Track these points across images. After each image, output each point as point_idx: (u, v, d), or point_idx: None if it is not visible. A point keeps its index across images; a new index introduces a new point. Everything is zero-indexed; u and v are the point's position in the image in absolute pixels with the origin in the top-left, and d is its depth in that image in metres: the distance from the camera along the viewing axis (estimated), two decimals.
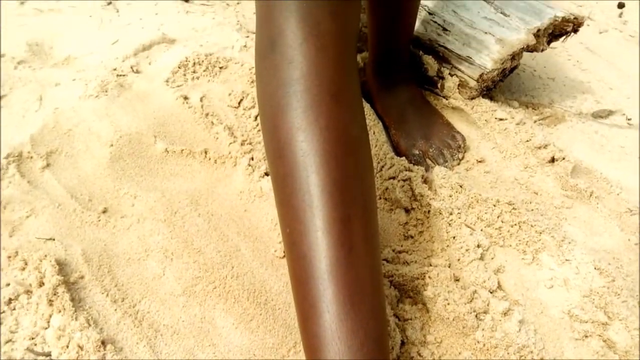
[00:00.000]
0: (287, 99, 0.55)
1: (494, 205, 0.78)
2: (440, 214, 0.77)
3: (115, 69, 1.02)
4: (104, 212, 0.78)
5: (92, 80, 0.98)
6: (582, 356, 0.64)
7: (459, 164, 0.89)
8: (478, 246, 0.73)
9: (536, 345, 0.63)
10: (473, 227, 0.75)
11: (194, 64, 1.05)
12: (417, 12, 0.87)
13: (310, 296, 0.50)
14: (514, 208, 0.77)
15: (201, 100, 0.98)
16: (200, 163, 0.88)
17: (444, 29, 0.96)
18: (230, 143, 0.90)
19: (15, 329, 0.62)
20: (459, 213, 0.77)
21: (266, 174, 0.84)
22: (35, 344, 0.60)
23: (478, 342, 0.63)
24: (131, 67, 1.03)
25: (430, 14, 0.98)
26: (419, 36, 0.98)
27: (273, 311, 0.67)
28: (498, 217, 0.77)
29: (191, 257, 0.72)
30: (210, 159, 0.88)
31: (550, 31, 0.94)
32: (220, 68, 1.06)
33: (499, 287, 0.70)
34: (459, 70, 0.94)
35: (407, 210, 0.81)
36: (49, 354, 0.59)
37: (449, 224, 0.76)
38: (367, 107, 0.97)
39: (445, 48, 0.95)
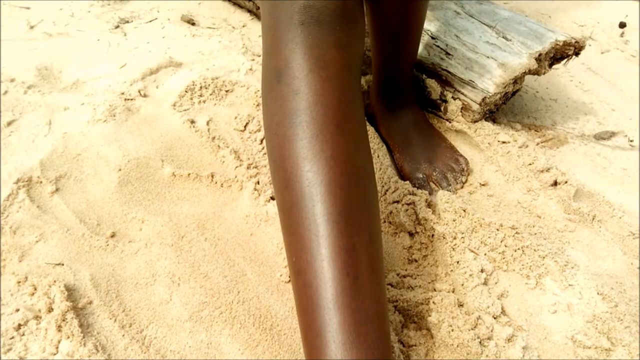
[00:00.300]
0: (294, 129, 0.57)
1: (497, 230, 0.79)
2: (444, 238, 0.78)
3: (123, 93, 1.04)
4: (112, 236, 0.79)
5: (100, 105, 0.99)
6: None
7: (462, 187, 0.90)
8: (482, 271, 0.73)
9: None
10: (477, 252, 0.76)
11: (201, 87, 1.06)
12: (420, 37, 0.89)
13: (316, 325, 0.51)
14: (517, 232, 0.78)
15: (208, 124, 0.99)
16: (206, 187, 0.89)
17: (447, 53, 0.97)
18: (237, 167, 0.91)
19: (25, 354, 0.63)
20: (462, 237, 0.77)
21: (272, 198, 0.85)
22: None
23: None
24: (139, 91, 1.05)
25: (433, 38, 0.99)
26: (422, 60, 1.00)
27: (279, 337, 0.68)
28: (501, 241, 0.78)
29: (198, 282, 0.73)
30: (216, 182, 0.89)
31: (552, 55, 0.95)
32: (227, 91, 1.08)
33: (503, 312, 0.70)
34: (462, 93, 0.96)
35: (411, 234, 0.82)
36: None
37: (453, 249, 0.77)
38: (371, 130, 0.98)
39: (448, 72, 0.97)
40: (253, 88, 1.08)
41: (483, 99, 0.93)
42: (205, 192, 0.88)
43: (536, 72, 0.94)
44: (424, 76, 1.00)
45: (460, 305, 0.70)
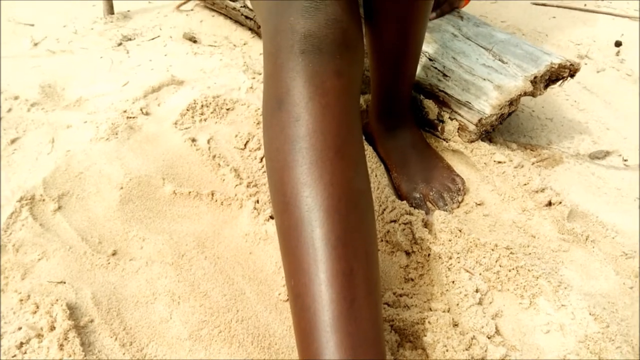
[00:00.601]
0: (294, 155, 0.58)
1: (492, 250, 0.80)
2: (439, 258, 0.79)
3: (125, 111, 1.05)
4: (114, 254, 0.80)
5: (102, 123, 1.01)
6: None
7: (458, 206, 0.91)
8: (476, 291, 0.75)
9: None
10: (472, 272, 0.77)
11: (202, 106, 1.08)
12: (418, 60, 0.90)
13: (313, 347, 0.52)
14: (511, 252, 0.79)
15: (208, 142, 1.01)
16: (207, 205, 0.90)
17: (444, 75, 0.99)
18: (237, 185, 0.93)
19: None
20: (458, 257, 0.79)
21: (271, 217, 0.86)
22: None
23: None
24: (141, 109, 1.06)
25: (430, 60, 1.01)
26: (420, 81, 1.01)
27: (277, 355, 0.69)
28: (496, 261, 0.79)
29: (197, 301, 0.74)
30: (216, 200, 0.91)
31: (547, 77, 0.97)
32: (227, 110, 1.09)
33: (497, 332, 0.71)
34: (459, 114, 0.97)
35: (408, 253, 0.83)
36: None
37: (449, 269, 0.78)
38: (369, 149, 0.99)
39: (445, 93, 0.98)
40: (253, 106, 1.10)
41: (479, 120, 0.94)
42: (205, 210, 0.90)
43: (532, 94, 0.96)
44: (422, 97, 1.02)
45: (455, 325, 0.71)
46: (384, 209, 0.88)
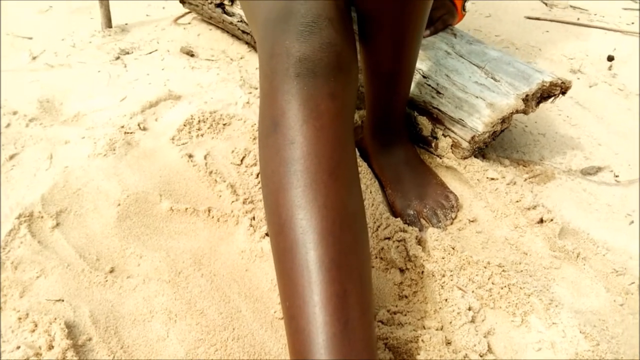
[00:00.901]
0: (288, 177, 0.60)
1: (485, 267, 0.81)
2: (433, 275, 0.80)
3: (123, 127, 1.06)
4: (111, 272, 0.81)
5: (100, 139, 1.02)
6: None
7: (452, 223, 0.92)
8: (469, 309, 0.76)
9: None
10: (464, 289, 0.79)
11: (199, 121, 1.09)
12: (412, 78, 0.92)
13: None
14: (503, 270, 0.81)
15: (205, 158, 1.02)
16: (203, 221, 0.91)
17: (438, 92, 1.00)
18: (233, 201, 0.94)
19: None
20: (451, 275, 0.80)
21: (267, 234, 0.88)
22: None
23: None
24: (138, 124, 1.07)
25: (424, 77, 1.03)
26: (414, 98, 1.03)
27: None
28: (489, 279, 0.80)
29: (194, 319, 0.75)
30: (213, 217, 0.92)
31: (539, 95, 0.98)
32: (224, 125, 1.11)
33: (489, 350, 0.73)
34: (452, 131, 0.99)
35: (402, 271, 0.84)
36: None
37: (442, 286, 0.79)
38: (364, 165, 1.01)
39: (439, 110, 1.00)
40: (250, 121, 1.11)
41: (472, 137, 0.96)
42: (202, 227, 0.91)
43: (524, 112, 0.97)
44: (416, 113, 1.03)
45: (448, 343, 0.72)
46: (379, 226, 0.89)
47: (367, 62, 0.87)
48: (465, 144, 0.98)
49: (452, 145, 1.00)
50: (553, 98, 1.02)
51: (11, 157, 0.98)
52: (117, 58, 1.34)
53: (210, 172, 0.99)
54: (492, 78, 0.99)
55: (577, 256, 0.86)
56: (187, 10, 1.54)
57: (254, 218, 0.91)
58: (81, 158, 0.98)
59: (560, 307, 0.77)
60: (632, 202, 1.02)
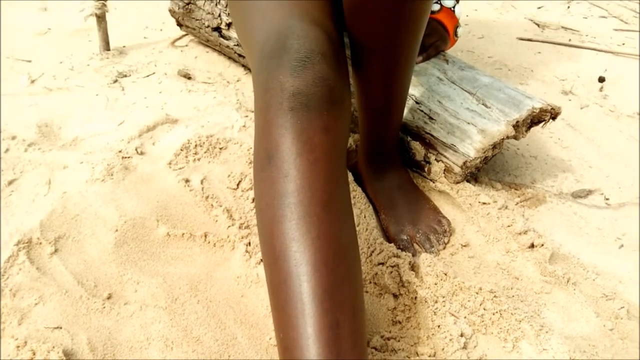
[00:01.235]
0: (282, 210, 0.61)
1: (477, 293, 0.83)
2: (426, 302, 0.82)
3: (120, 151, 1.08)
4: (109, 298, 0.82)
5: (98, 164, 1.04)
6: None
7: (444, 248, 0.94)
8: (461, 335, 0.77)
9: None
10: (457, 315, 0.80)
11: (196, 145, 1.11)
12: (404, 105, 0.93)
13: None
14: (495, 296, 0.82)
15: (202, 182, 1.03)
16: (200, 247, 0.93)
17: (430, 118, 1.02)
18: (229, 226, 0.95)
19: None
20: (443, 301, 0.81)
21: (262, 260, 0.89)
22: None
23: None
24: (136, 149, 1.09)
25: (417, 102, 1.05)
26: (407, 123, 1.05)
27: None
28: (480, 304, 0.82)
29: (190, 346, 0.76)
30: (209, 242, 0.93)
31: (529, 121, 1.00)
32: (221, 149, 1.12)
33: None
34: (444, 156, 1.01)
35: (395, 296, 0.85)
36: None
37: (434, 312, 0.80)
38: (358, 190, 1.02)
39: (432, 135, 1.02)
40: (246, 145, 1.13)
41: (464, 163, 0.98)
42: (198, 252, 0.92)
43: (515, 137, 0.99)
44: (409, 138, 1.05)
45: None
46: (372, 251, 0.90)
47: (359, 90, 0.88)
48: (457, 169, 1.00)
49: (444, 170, 1.02)
50: (543, 123, 1.04)
51: (10, 183, 0.99)
52: (115, 81, 1.35)
53: (207, 197, 1.00)
54: (483, 104, 1.01)
55: (568, 281, 0.88)
56: (184, 33, 1.57)
57: (249, 244, 0.92)
58: (79, 183, 1.00)
59: (551, 332, 0.79)
60: (622, 226, 1.03)
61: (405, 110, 1.04)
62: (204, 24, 1.38)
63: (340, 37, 0.76)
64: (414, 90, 1.06)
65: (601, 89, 1.55)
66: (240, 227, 0.95)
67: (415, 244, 0.94)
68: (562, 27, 1.89)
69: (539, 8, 2.05)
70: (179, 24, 1.49)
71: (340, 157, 0.68)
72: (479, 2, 2.07)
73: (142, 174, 1.04)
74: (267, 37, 0.70)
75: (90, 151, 1.09)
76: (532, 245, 0.93)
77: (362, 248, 0.91)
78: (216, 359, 0.75)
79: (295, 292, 0.58)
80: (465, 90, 1.04)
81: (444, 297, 0.82)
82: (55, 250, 0.87)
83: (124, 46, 1.53)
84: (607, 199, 1.11)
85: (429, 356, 0.75)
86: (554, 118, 1.03)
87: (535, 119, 1.01)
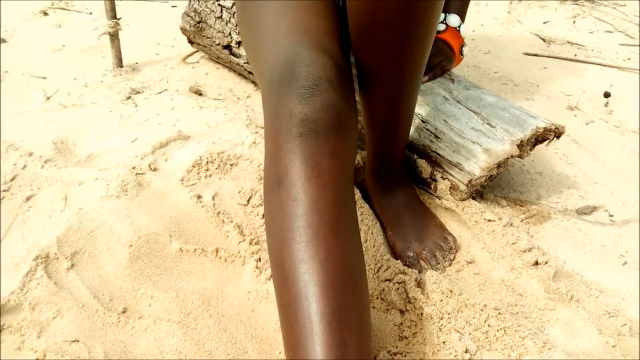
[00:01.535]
0: (292, 233, 0.64)
1: (482, 310, 0.85)
2: (431, 318, 0.84)
3: (134, 167, 1.11)
4: (124, 312, 0.85)
5: (113, 180, 1.07)
6: None
7: (450, 264, 0.96)
8: (466, 351, 0.79)
9: None
10: (462, 332, 0.82)
11: (207, 162, 1.14)
12: (410, 124, 0.96)
13: None
14: (499, 313, 0.84)
15: (213, 198, 1.06)
16: (211, 262, 0.95)
17: (436, 137, 1.05)
18: (240, 242, 0.98)
19: None
20: (449, 318, 0.84)
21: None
22: None
23: None
24: (149, 165, 1.12)
25: (423, 121, 1.07)
26: (414, 141, 1.07)
27: None
28: (485, 321, 0.84)
29: None
30: (220, 257, 0.96)
31: (533, 140, 1.03)
32: (231, 165, 1.15)
33: None
34: (450, 174, 1.03)
35: (402, 312, 0.88)
36: None
37: (440, 329, 0.83)
38: (365, 207, 1.05)
39: (437, 154, 1.04)
40: (256, 161, 1.15)
41: (470, 181, 1.00)
42: (210, 267, 0.95)
43: (519, 156, 1.01)
44: (415, 156, 1.08)
45: None
46: (379, 267, 0.93)
47: (366, 110, 0.91)
48: (463, 187, 1.02)
49: (450, 188, 1.04)
50: (547, 142, 1.06)
51: (28, 199, 1.02)
52: (128, 98, 1.39)
53: (218, 213, 1.03)
54: (488, 124, 1.03)
55: (571, 298, 0.90)
56: (195, 50, 1.60)
57: (259, 259, 0.95)
58: (95, 200, 1.03)
59: (554, 349, 0.81)
60: (625, 243, 1.05)
61: (412, 129, 1.07)
62: (214, 41, 1.41)
63: (347, 63, 0.79)
64: (420, 110, 1.09)
65: (606, 104, 1.57)
66: (250, 243, 0.98)
67: (421, 261, 0.96)
68: (568, 42, 1.92)
69: (545, 23, 2.07)
70: (190, 42, 1.52)
71: (348, 181, 0.70)
72: (485, 17, 2.10)
73: (155, 190, 1.07)
74: (276, 63, 0.73)
75: (105, 167, 1.12)
76: (537, 263, 0.95)
77: (370, 264, 0.93)
78: None
79: (304, 313, 0.61)
80: (471, 110, 1.06)
81: (449, 313, 0.84)
82: (72, 265, 0.90)
83: (136, 63, 1.57)
84: (611, 216, 1.13)
85: None
86: (557, 137, 1.05)
87: (540, 138, 1.03)
